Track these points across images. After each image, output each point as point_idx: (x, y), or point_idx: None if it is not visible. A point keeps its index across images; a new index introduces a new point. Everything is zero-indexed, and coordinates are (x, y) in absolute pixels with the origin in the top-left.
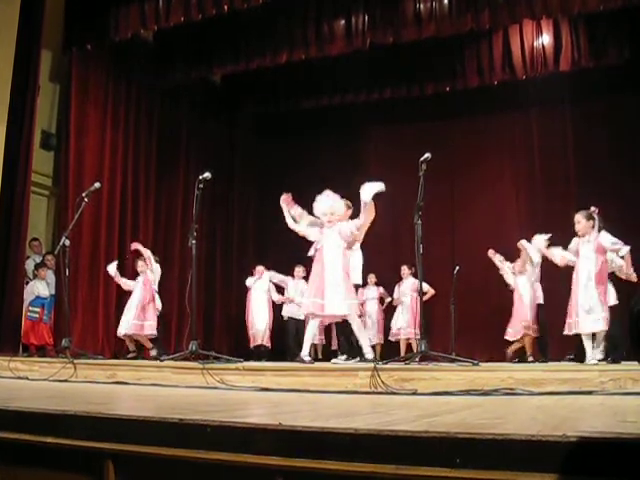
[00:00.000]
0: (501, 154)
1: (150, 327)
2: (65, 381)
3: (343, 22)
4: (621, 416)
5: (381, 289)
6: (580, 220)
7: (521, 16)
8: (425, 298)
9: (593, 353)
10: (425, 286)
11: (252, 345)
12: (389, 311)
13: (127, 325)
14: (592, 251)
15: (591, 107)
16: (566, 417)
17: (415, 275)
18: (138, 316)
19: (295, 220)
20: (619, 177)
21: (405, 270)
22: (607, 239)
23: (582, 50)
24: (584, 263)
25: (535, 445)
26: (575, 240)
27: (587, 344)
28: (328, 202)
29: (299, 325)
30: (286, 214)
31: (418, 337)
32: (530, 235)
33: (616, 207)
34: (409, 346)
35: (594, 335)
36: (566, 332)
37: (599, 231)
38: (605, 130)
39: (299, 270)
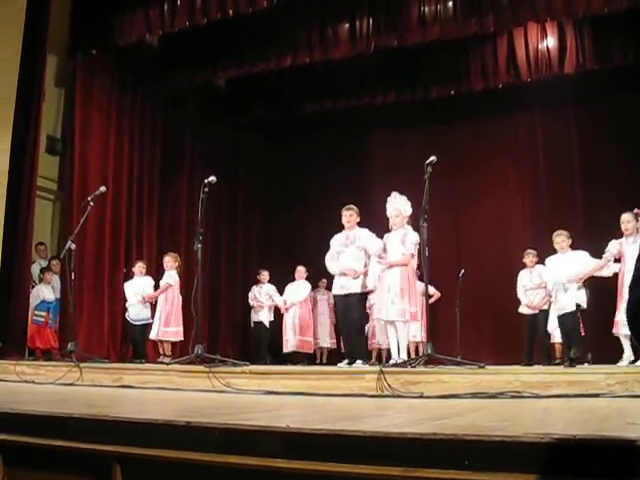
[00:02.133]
0: (506, 157)
1: None
2: (71, 385)
3: (347, 26)
4: (629, 418)
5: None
6: (630, 220)
7: (525, 19)
8: (431, 301)
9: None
10: (431, 289)
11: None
12: None
13: None
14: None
15: (596, 109)
16: (573, 419)
17: (421, 278)
18: None
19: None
20: (625, 179)
21: None
22: None
23: (587, 52)
24: (631, 264)
25: (544, 447)
26: (614, 242)
27: (626, 343)
28: (394, 204)
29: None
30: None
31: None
32: (534, 236)
33: (622, 209)
34: (416, 349)
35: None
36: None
37: None
38: (610, 132)
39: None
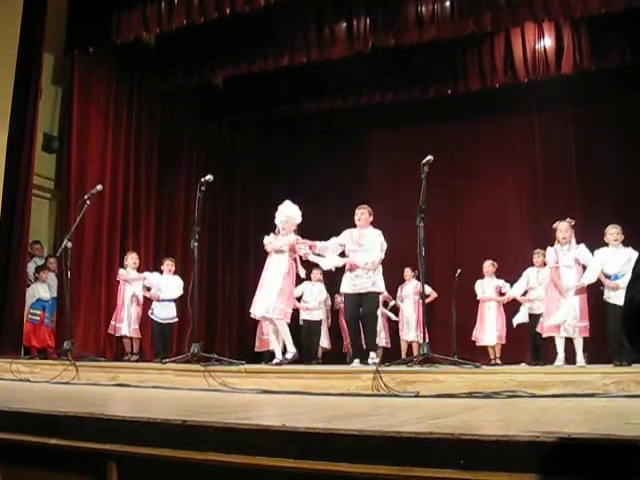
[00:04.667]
0: (503, 157)
1: None
2: (67, 383)
3: (345, 25)
4: (625, 418)
5: (384, 292)
6: (567, 229)
7: (523, 19)
8: (427, 301)
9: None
10: (427, 289)
11: None
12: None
13: None
14: None
15: (593, 109)
16: (570, 419)
17: (418, 277)
18: None
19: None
20: (621, 179)
21: (408, 272)
22: None
23: (584, 53)
24: (565, 272)
25: (539, 446)
26: (550, 250)
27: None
28: (286, 211)
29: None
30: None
31: (420, 340)
32: (531, 236)
33: (619, 209)
34: (410, 348)
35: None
36: None
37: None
38: (607, 132)
39: (316, 273)
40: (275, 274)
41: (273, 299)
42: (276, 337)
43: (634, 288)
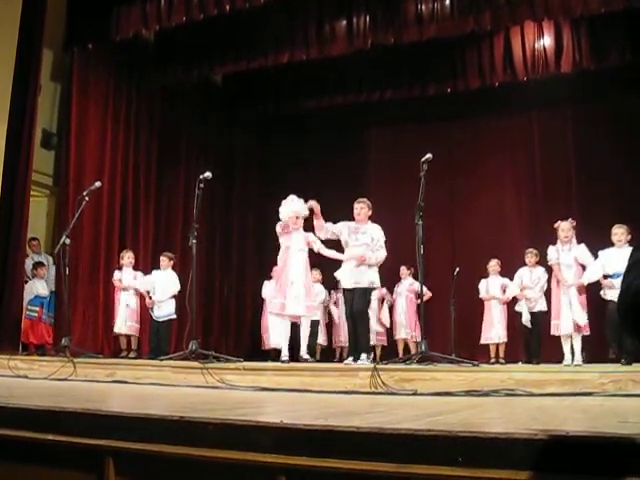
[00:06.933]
0: (502, 155)
1: None
2: (65, 380)
3: (345, 22)
4: (622, 417)
5: (383, 290)
6: (570, 229)
7: (522, 17)
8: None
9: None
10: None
11: None
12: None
13: None
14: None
15: (592, 108)
16: (567, 417)
17: (414, 276)
18: None
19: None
20: (620, 178)
21: (404, 270)
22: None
23: (583, 52)
24: (566, 271)
25: (537, 444)
26: (552, 249)
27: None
28: (292, 206)
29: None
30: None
31: (415, 338)
32: (530, 235)
33: (618, 208)
34: (406, 347)
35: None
36: None
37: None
38: (606, 131)
39: (315, 273)
40: (299, 273)
41: (304, 298)
42: (286, 336)
43: (629, 277)
